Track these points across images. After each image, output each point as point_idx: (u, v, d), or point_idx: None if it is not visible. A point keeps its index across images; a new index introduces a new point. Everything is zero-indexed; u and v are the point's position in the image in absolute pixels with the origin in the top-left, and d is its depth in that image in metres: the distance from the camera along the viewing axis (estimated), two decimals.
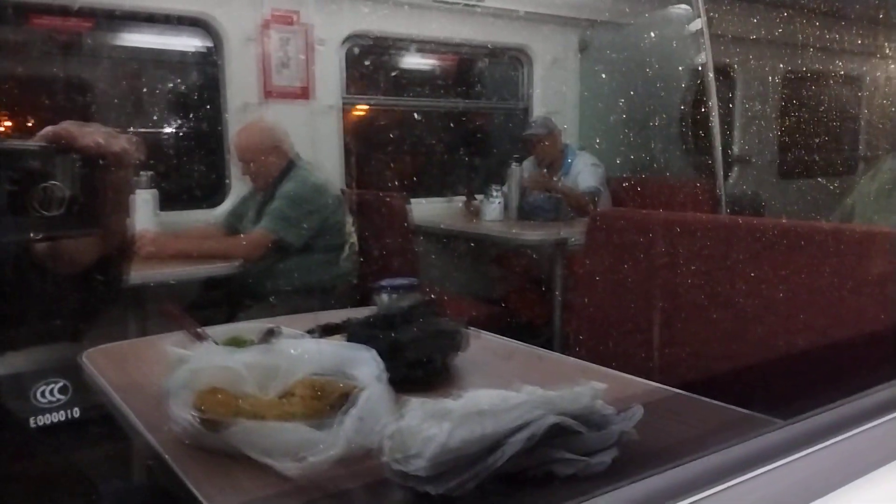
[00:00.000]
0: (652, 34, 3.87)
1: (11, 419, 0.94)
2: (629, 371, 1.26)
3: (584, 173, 3.65)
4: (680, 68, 3.75)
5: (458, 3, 3.67)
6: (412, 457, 0.79)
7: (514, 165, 3.83)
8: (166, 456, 0.91)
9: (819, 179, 5.21)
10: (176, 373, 0.99)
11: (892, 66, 5.44)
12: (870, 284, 1.32)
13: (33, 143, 0.73)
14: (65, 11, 2.64)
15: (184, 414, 0.92)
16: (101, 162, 0.76)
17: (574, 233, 3.00)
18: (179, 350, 1.13)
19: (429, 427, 0.81)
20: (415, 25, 3.74)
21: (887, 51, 5.20)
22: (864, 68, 5.45)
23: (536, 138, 3.73)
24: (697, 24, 3.41)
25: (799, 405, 0.82)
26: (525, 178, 3.78)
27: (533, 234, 3.35)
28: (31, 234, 0.74)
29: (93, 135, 0.75)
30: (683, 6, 3.56)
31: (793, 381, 1.27)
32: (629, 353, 1.64)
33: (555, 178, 3.73)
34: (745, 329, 1.45)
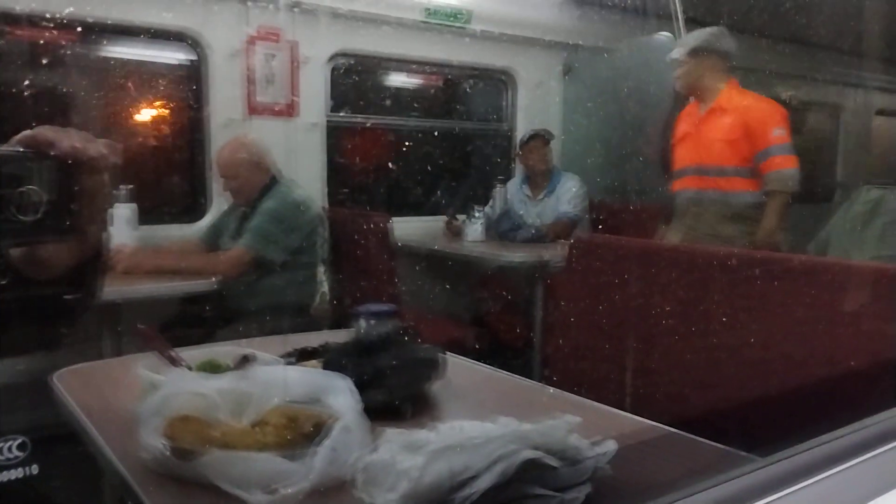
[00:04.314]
0: (635, 60, 3.91)
1: None
2: (606, 399, 1.26)
3: (567, 196, 3.67)
4: (662, 94, 3.78)
5: (445, 25, 3.70)
6: (385, 491, 0.78)
7: (498, 186, 3.84)
8: (135, 485, 0.89)
9: (796, 206, 5.25)
10: (148, 398, 0.97)
11: (868, 95, 5.54)
12: (847, 318, 1.33)
13: (9, 148, 0.73)
14: (47, 23, 2.61)
15: (154, 441, 0.90)
16: (77, 167, 0.75)
17: (556, 255, 3.01)
18: (152, 374, 1.12)
19: (402, 461, 0.80)
20: (401, 45, 3.75)
21: (864, 80, 5.31)
22: (840, 98, 5.56)
23: (533, 143, 3.75)
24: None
25: (775, 441, 0.82)
26: (508, 198, 3.79)
27: (514, 255, 3.35)
28: (6, 239, 0.73)
29: (70, 139, 0.75)
30: (666, 34, 3.61)
31: (769, 416, 1.28)
32: (607, 380, 1.64)
33: (539, 197, 3.75)
34: (724, 360, 1.45)
